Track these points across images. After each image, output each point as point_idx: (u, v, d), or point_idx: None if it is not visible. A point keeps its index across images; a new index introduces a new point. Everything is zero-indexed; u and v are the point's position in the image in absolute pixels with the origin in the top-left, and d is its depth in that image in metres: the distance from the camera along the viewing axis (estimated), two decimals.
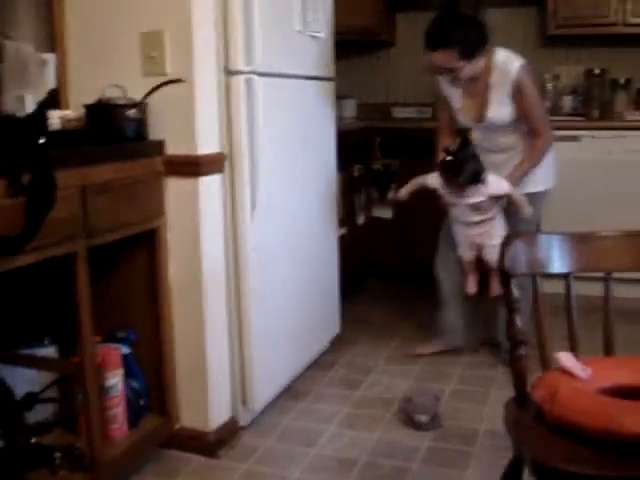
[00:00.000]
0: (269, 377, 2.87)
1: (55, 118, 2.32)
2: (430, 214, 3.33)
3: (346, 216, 4.09)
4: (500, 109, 3.04)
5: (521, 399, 1.73)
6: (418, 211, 3.29)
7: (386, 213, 3.24)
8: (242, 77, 2.54)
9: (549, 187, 3.25)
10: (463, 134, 3.13)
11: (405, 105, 4.92)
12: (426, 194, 3.16)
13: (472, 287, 3.30)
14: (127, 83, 2.39)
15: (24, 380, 2.32)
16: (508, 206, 3.09)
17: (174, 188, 2.45)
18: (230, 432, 2.69)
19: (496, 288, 3.21)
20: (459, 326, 3.44)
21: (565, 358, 1.68)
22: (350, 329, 3.79)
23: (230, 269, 2.65)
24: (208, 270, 2.52)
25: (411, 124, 4.62)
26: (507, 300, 1.77)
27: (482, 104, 3.07)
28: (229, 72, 2.53)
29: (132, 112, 2.34)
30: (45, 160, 1.80)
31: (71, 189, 2.00)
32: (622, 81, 4.59)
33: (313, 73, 3.18)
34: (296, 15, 2.98)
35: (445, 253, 3.37)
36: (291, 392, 3.10)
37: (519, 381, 1.75)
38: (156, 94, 2.38)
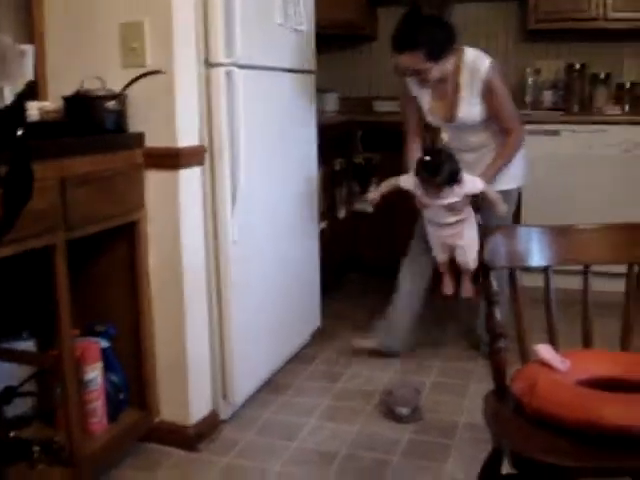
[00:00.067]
0: (250, 371, 2.86)
1: (33, 109, 2.30)
2: (411, 209, 3.32)
3: (327, 210, 4.09)
4: (470, 108, 3.03)
5: (500, 391, 1.74)
6: (398, 205, 3.29)
7: (367, 207, 3.24)
8: (222, 69, 2.52)
9: (521, 184, 3.27)
10: (433, 135, 3.13)
11: (387, 99, 4.92)
12: (401, 194, 3.15)
13: (448, 288, 3.29)
14: (106, 75, 2.38)
15: (2, 374, 2.30)
16: (482, 204, 3.09)
17: (154, 181, 2.44)
18: (210, 426, 2.69)
19: (468, 289, 3.22)
20: (402, 331, 3.36)
21: (544, 350, 1.69)
22: (330, 323, 3.79)
23: (210, 263, 2.64)
24: (188, 263, 2.50)
25: (393, 118, 4.60)
26: (486, 293, 1.77)
27: (452, 104, 3.07)
28: (209, 64, 2.51)
29: (111, 104, 2.32)
30: (23, 152, 1.78)
31: (50, 181, 1.99)
32: (602, 76, 4.62)
33: (294, 66, 3.17)
34: (277, 8, 2.96)
35: (415, 257, 3.33)
36: (272, 385, 3.10)
37: (498, 374, 1.76)
38: (136, 86, 2.36)
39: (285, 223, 3.18)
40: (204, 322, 2.64)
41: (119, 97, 2.35)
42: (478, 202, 3.07)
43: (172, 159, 2.42)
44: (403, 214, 3.39)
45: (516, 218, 4.24)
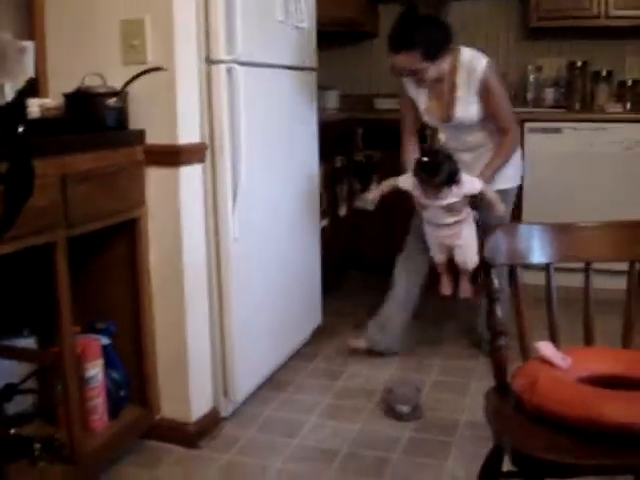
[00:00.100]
0: (250, 368, 2.86)
1: (34, 107, 2.30)
2: (411, 207, 3.31)
3: (328, 208, 4.09)
4: (467, 108, 3.02)
5: (501, 389, 1.74)
6: (399, 203, 3.28)
7: (367, 205, 3.23)
8: (223, 66, 2.52)
9: (517, 184, 3.26)
10: (430, 135, 3.12)
11: (387, 96, 4.90)
12: (401, 192, 3.14)
13: (446, 289, 3.27)
14: (107, 71, 2.37)
15: (3, 371, 2.30)
16: (481, 204, 3.08)
17: (155, 178, 2.44)
18: (211, 423, 2.69)
19: (466, 289, 3.22)
20: (398, 330, 3.36)
21: (545, 348, 1.69)
22: (331, 320, 3.79)
23: (212, 260, 2.64)
24: (189, 260, 2.50)
25: (393, 115, 4.58)
26: (487, 290, 1.77)
27: (449, 104, 3.06)
28: (210, 61, 2.51)
29: (112, 101, 2.32)
30: (24, 148, 1.78)
31: (50, 178, 1.99)
32: (604, 73, 4.61)
33: (295, 63, 3.17)
34: (278, 5, 2.96)
35: (411, 254, 3.32)
36: (273, 383, 3.10)
37: (499, 371, 1.76)
38: (137, 83, 2.36)
39: (286, 221, 3.18)
40: (205, 319, 2.64)
41: (120, 94, 2.34)
42: (476, 202, 3.06)
43: (173, 156, 2.41)
44: (403, 212, 3.39)
45: (517, 216, 4.25)
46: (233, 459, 2.52)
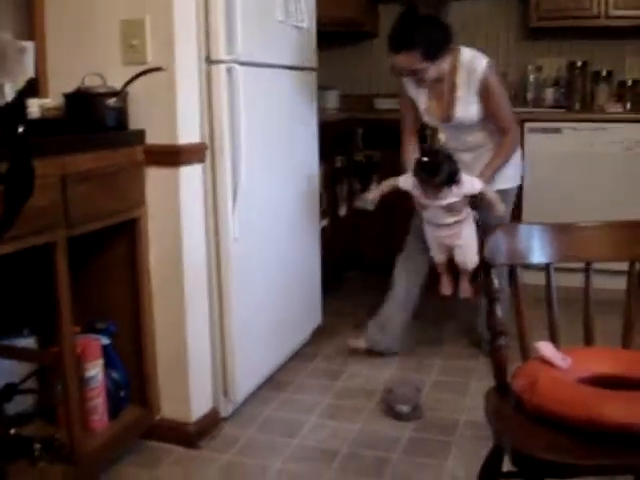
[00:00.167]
0: (250, 368, 2.86)
1: (34, 107, 2.30)
2: (411, 206, 3.32)
3: (328, 207, 4.09)
4: (467, 108, 3.02)
5: (501, 389, 1.74)
6: (399, 203, 3.28)
7: (367, 205, 3.23)
8: (223, 66, 2.52)
9: (517, 184, 3.26)
10: (430, 135, 3.12)
11: (387, 96, 4.90)
12: (401, 192, 3.13)
13: (446, 289, 3.27)
14: (107, 72, 2.37)
15: (3, 371, 2.30)
16: (480, 204, 3.07)
17: (155, 178, 2.44)
18: (211, 423, 2.69)
19: (466, 289, 3.21)
20: (398, 330, 3.37)
21: (545, 348, 1.69)
22: (331, 320, 3.79)
23: (212, 260, 2.64)
24: (189, 261, 2.50)
25: (393, 115, 4.58)
26: (487, 290, 1.77)
27: (449, 104, 3.06)
28: (210, 61, 2.51)
29: (112, 101, 2.32)
30: (24, 149, 1.78)
31: (50, 178, 1.99)
32: (604, 73, 4.61)
33: (295, 63, 3.17)
34: (278, 5, 2.96)
35: (411, 254, 3.32)
36: (273, 383, 3.10)
37: (499, 371, 1.76)
38: (137, 83, 2.36)
39: (286, 221, 3.18)
40: (205, 319, 2.64)
41: (120, 94, 2.34)
42: (476, 202, 3.06)
43: (173, 156, 2.41)
44: (403, 212, 3.39)
45: (517, 216, 4.24)
46: (233, 459, 2.52)
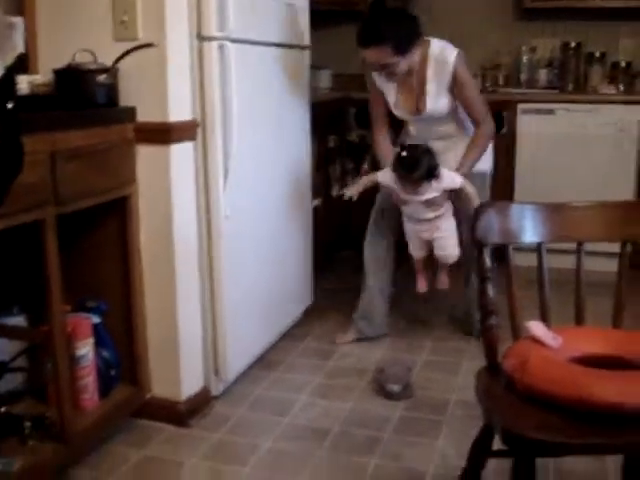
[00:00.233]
0: (241, 347, 2.86)
1: (24, 83, 2.28)
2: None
3: (321, 187, 4.07)
4: (437, 101, 3.00)
5: (492, 368, 1.74)
6: None
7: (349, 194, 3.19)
8: (215, 43, 2.50)
9: (492, 167, 3.26)
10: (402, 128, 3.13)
11: None
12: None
13: (422, 286, 3.27)
14: (98, 48, 2.35)
15: None
16: (456, 198, 3.04)
17: (145, 155, 2.42)
18: (202, 402, 2.69)
19: (444, 281, 3.21)
20: (382, 316, 3.37)
21: (536, 327, 1.69)
22: (323, 301, 3.79)
23: (203, 238, 2.63)
24: (180, 239, 2.49)
25: None
26: (479, 270, 1.77)
27: (418, 97, 3.04)
28: (202, 38, 2.48)
29: (102, 77, 2.30)
30: (13, 125, 1.76)
31: (40, 154, 1.97)
32: (597, 54, 4.60)
33: (288, 41, 3.14)
34: None
35: (376, 242, 3.32)
36: (263, 362, 3.10)
37: (490, 350, 1.76)
38: (127, 59, 2.34)
39: (278, 200, 3.16)
40: (196, 298, 2.63)
41: (110, 71, 2.32)
42: (452, 196, 3.03)
43: (164, 134, 2.40)
44: None
45: (509, 197, 4.25)
46: (223, 438, 2.52)
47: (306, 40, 3.36)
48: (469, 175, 2.99)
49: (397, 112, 3.15)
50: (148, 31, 2.35)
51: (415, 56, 2.93)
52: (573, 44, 4.64)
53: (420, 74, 2.99)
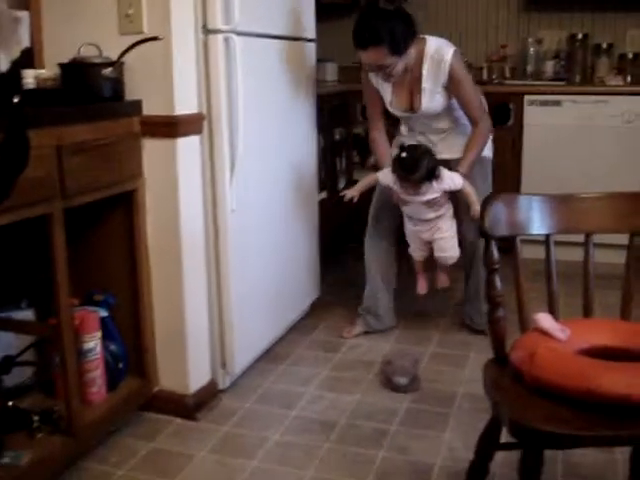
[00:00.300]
0: (248, 340, 2.86)
1: (29, 77, 2.28)
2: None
3: (327, 180, 4.07)
4: (432, 99, 2.99)
5: (500, 360, 1.74)
6: None
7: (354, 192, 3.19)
8: (221, 36, 2.49)
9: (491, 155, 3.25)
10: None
11: None
12: None
13: (423, 288, 3.26)
14: (103, 42, 2.35)
15: (1, 343, 2.31)
16: (458, 202, 3.04)
17: (152, 149, 2.42)
18: (209, 395, 2.69)
19: (444, 280, 3.22)
20: (387, 309, 3.37)
21: (544, 319, 1.68)
22: (330, 293, 3.79)
23: (209, 231, 2.63)
24: (187, 232, 2.49)
25: None
26: (487, 261, 1.77)
27: (414, 95, 3.03)
28: (207, 31, 2.48)
29: (108, 71, 2.30)
30: (19, 119, 1.76)
31: (46, 149, 1.97)
32: (604, 46, 4.58)
33: (294, 34, 3.13)
34: None
35: (376, 241, 3.31)
36: (271, 355, 3.10)
37: (497, 342, 1.76)
38: (133, 53, 2.33)
39: (284, 193, 3.16)
40: (203, 291, 2.64)
41: (116, 64, 2.32)
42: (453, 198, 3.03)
43: (170, 127, 2.39)
44: None
45: (516, 189, 4.24)
46: (231, 431, 2.52)
47: (312, 33, 3.35)
48: (469, 175, 2.98)
49: (392, 110, 3.14)
50: (153, 24, 2.34)
51: (411, 55, 2.92)
52: (580, 35, 4.62)
53: (416, 72, 2.98)
